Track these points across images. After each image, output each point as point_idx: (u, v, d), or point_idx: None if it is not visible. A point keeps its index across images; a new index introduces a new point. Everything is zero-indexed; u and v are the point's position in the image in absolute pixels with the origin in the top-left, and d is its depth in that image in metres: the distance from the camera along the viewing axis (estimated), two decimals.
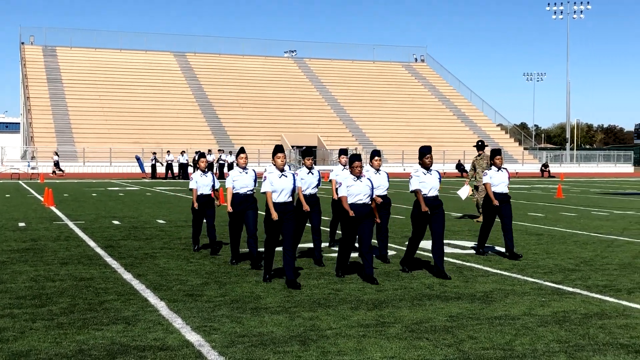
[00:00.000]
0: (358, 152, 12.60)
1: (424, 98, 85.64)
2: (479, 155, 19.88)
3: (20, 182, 44.94)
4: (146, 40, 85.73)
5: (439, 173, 11.14)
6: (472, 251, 13.62)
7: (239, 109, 75.04)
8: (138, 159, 55.19)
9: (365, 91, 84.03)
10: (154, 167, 52.60)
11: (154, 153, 54.43)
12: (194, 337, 7.25)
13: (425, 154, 11.02)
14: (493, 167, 12.97)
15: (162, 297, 9.17)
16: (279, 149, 10.59)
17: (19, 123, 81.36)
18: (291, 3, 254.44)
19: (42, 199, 27.43)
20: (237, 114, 74.10)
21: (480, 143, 20.04)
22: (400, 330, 7.60)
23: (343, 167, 13.36)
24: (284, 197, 10.29)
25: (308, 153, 12.10)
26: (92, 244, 14.45)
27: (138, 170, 55.77)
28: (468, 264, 12.10)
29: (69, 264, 11.85)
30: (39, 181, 45.31)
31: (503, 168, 13.00)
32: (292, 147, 67.82)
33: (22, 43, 79.74)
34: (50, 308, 8.51)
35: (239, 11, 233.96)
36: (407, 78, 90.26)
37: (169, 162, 52.24)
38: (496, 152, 13.14)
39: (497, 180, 12.80)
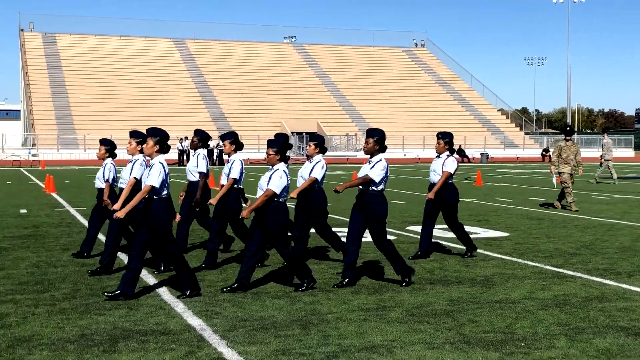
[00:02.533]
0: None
1: (424, 83, 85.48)
2: (568, 140, 18.67)
3: (21, 169, 44.95)
4: (146, 26, 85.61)
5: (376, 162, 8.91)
6: (475, 235, 13.64)
7: (238, 95, 74.93)
8: None
9: (365, 77, 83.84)
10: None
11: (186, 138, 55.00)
12: (195, 322, 7.28)
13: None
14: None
15: (163, 282, 9.20)
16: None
17: (19, 110, 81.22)
18: None
19: (43, 185, 27.45)
20: (237, 100, 74.00)
21: (569, 128, 19.22)
22: (401, 314, 7.62)
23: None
24: None
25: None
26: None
27: None
28: None
29: (71, 249, 11.87)
30: (39, 168, 45.33)
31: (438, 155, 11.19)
32: (292, 133, 67.78)
33: (22, 30, 79.53)
34: (52, 294, 8.54)
35: None
36: (407, 63, 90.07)
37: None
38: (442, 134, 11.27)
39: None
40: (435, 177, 11.13)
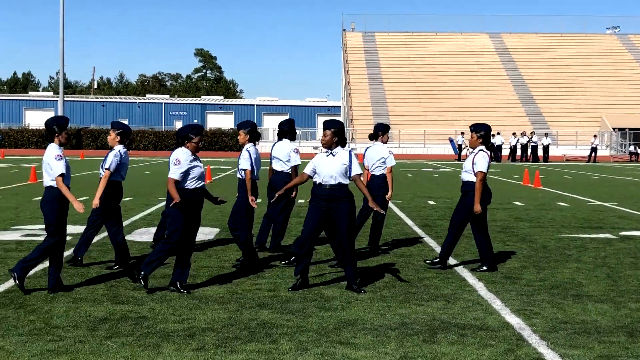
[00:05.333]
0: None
1: None
2: None
3: None
4: (461, 22, 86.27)
5: (350, 153, 8.51)
6: None
7: (555, 89, 72.55)
8: (451, 140, 55.78)
9: None
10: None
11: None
12: (513, 320, 7.21)
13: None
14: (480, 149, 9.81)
15: (480, 278, 9.22)
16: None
17: (340, 107, 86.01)
18: None
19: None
20: (553, 94, 71.70)
21: None
22: None
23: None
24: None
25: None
26: (409, 222, 14.90)
27: (451, 152, 56.40)
28: None
29: (388, 242, 12.33)
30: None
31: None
32: (614, 129, 64.20)
33: (344, 30, 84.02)
34: (373, 282, 8.95)
35: None
36: None
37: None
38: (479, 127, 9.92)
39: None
40: (466, 175, 9.87)
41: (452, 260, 10.36)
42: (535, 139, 53.89)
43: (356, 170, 8.47)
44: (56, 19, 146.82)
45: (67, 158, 8.25)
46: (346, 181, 8.41)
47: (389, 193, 10.70)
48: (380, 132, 11.09)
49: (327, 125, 8.48)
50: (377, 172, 10.94)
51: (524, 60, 77.95)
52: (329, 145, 8.45)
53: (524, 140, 53.93)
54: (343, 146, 8.51)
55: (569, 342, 6.49)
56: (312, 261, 10.07)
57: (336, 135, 8.44)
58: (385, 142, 11.10)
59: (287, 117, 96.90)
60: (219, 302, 7.78)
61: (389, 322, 7.06)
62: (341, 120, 73.90)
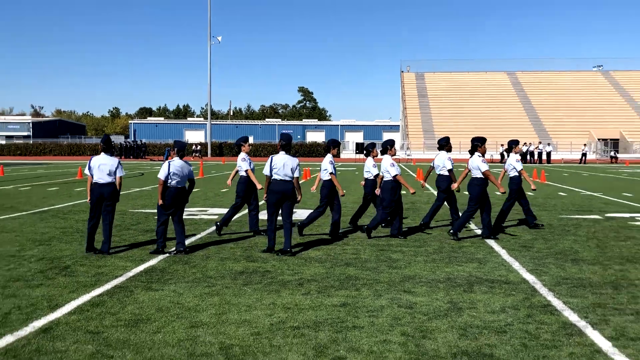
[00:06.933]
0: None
1: None
2: None
3: (400, 165, 47.07)
4: (485, 63, 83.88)
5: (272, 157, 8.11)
6: None
7: (556, 111, 69.83)
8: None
9: None
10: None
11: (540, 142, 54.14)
12: (529, 277, 7.00)
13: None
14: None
15: (503, 247, 8.98)
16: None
17: (399, 125, 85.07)
18: (598, 21, 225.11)
19: (414, 175, 28.39)
20: (554, 115, 69.06)
21: None
22: None
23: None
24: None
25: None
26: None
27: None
28: None
29: (438, 221, 12.13)
30: (412, 163, 47.04)
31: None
32: (598, 139, 61.44)
33: (402, 71, 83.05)
34: (426, 248, 8.84)
35: (571, 32, 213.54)
36: None
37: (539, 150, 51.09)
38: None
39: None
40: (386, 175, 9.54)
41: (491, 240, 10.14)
42: (541, 146, 52.07)
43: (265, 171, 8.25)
44: (205, 67, 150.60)
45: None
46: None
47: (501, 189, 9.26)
48: (479, 144, 9.50)
49: (281, 137, 8.31)
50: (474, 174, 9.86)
51: (533, 91, 75.37)
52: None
53: (532, 148, 52.20)
54: (287, 153, 8.21)
55: (570, 293, 6.27)
56: (382, 235, 10.02)
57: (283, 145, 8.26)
58: (483, 154, 9.49)
59: (362, 134, 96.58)
60: (318, 261, 7.83)
61: (438, 277, 6.96)
62: (399, 134, 73.00)
